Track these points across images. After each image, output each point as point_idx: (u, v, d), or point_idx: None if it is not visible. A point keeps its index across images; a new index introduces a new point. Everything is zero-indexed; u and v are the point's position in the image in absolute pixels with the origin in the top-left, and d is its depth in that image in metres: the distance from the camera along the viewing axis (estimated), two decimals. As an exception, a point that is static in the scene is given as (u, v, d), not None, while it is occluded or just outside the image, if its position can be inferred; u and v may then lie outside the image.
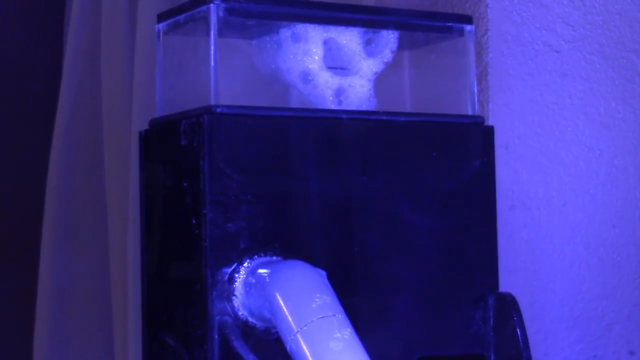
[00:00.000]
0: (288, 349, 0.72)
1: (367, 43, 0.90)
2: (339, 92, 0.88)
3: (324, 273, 0.77)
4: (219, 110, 0.79)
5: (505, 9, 1.07)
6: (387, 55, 0.90)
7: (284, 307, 0.74)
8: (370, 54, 0.89)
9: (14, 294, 1.64)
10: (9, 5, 1.67)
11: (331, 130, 0.83)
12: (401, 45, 0.91)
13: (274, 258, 0.79)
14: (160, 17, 0.88)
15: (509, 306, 0.87)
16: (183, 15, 0.85)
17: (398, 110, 0.91)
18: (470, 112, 0.91)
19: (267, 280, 0.76)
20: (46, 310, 1.45)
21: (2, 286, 1.65)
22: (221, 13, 0.82)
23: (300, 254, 0.80)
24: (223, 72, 0.82)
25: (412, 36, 0.92)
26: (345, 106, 0.88)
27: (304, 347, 0.71)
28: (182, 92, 0.88)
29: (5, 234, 1.66)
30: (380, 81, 0.90)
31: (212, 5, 0.81)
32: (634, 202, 1.13)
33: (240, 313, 0.78)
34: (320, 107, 0.87)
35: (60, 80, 1.46)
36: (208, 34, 0.81)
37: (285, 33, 0.87)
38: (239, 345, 0.76)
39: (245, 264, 0.79)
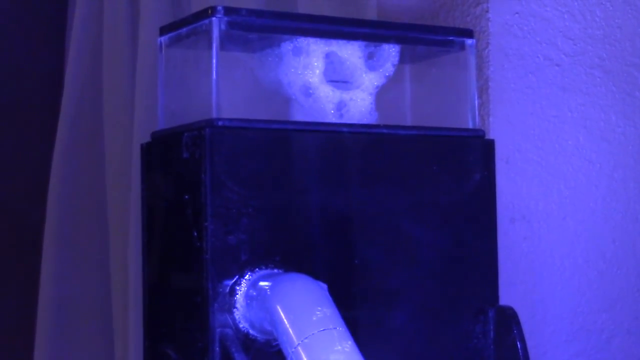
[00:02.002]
0: (289, 361, 0.73)
1: (369, 57, 0.90)
2: (340, 106, 0.88)
3: (324, 286, 0.77)
4: (220, 123, 0.79)
5: (506, 22, 1.07)
6: (389, 68, 0.90)
7: (285, 320, 0.74)
8: (371, 68, 0.90)
9: (15, 302, 1.64)
10: (10, 11, 1.68)
11: (332, 143, 0.83)
12: (402, 59, 0.92)
13: (275, 271, 0.80)
14: (163, 30, 0.88)
15: (509, 319, 0.87)
16: (185, 29, 0.86)
17: (399, 123, 0.91)
18: (471, 126, 0.91)
19: (268, 292, 0.77)
20: (47, 320, 1.46)
21: (3, 293, 1.66)
22: (223, 26, 0.82)
23: (301, 266, 0.80)
24: (225, 85, 0.82)
25: (413, 50, 0.92)
26: (347, 120, 0.88)
27: (305, 360, 0.72)
28: (184, 104, 0.88)
29: (6, 241, 1.66)
30: (381, 95, 0.90)
31: (214, 18, 0.81)
32: (634, 215, 1.14)
33: (241, 325, 0.78)
34: (321, 120, 0.87)
35: (62, 85, 1.47)
36: (210, 47, 0.82)
37: (287, 46, 0.87)
38: (240, 358, 0.76)
39: (247, 277, 0.79)
